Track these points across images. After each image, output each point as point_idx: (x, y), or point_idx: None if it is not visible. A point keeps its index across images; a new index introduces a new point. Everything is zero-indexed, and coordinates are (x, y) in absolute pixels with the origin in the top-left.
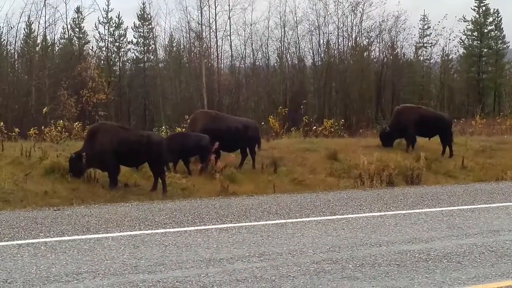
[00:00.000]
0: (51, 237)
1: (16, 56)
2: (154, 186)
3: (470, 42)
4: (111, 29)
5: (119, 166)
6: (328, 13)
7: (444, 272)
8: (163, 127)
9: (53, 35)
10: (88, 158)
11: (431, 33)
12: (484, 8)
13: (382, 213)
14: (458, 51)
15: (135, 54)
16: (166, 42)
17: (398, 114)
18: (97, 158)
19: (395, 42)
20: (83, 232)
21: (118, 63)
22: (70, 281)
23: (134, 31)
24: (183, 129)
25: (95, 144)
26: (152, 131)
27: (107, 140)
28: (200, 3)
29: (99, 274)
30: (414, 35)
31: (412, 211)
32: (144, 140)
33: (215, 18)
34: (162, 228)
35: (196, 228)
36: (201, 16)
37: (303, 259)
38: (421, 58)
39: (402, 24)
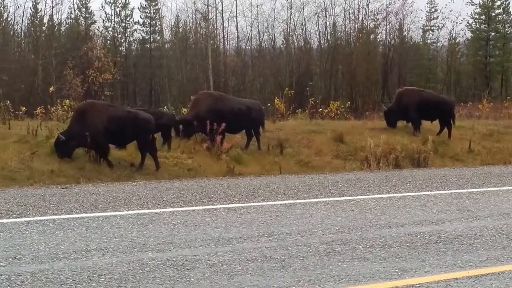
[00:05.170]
0: (59, 215)
1: (22, 35)
2: (156, 165)
3: (478, 26)
4: (118, 9)
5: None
6: None
7: (456, 254)
8: (166, 107)
9: (59, 14)
10: (79, 137)
11: (438, 16)
12: None
13: (391, 195)
14: (465, 34)
15: (141, 35)
16: (173, 23)
17: (400, 96)
18: (89, 138)
19: (402, 25)
20: (91, 210)
21: (124, 43)
22: (79, 258)
23: (140, 11)
24: (188, 110)
25: (87, 125)
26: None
27: (99, 120)
28: None
29: (108, 252)
30: (421, 18)
31: (421, 193)
32: (131, 116)
33: None
34: (170, 207)
35: (204, 207)
36: None
37: (312, 239)
38: (428, 41)
39: (409, 7)
